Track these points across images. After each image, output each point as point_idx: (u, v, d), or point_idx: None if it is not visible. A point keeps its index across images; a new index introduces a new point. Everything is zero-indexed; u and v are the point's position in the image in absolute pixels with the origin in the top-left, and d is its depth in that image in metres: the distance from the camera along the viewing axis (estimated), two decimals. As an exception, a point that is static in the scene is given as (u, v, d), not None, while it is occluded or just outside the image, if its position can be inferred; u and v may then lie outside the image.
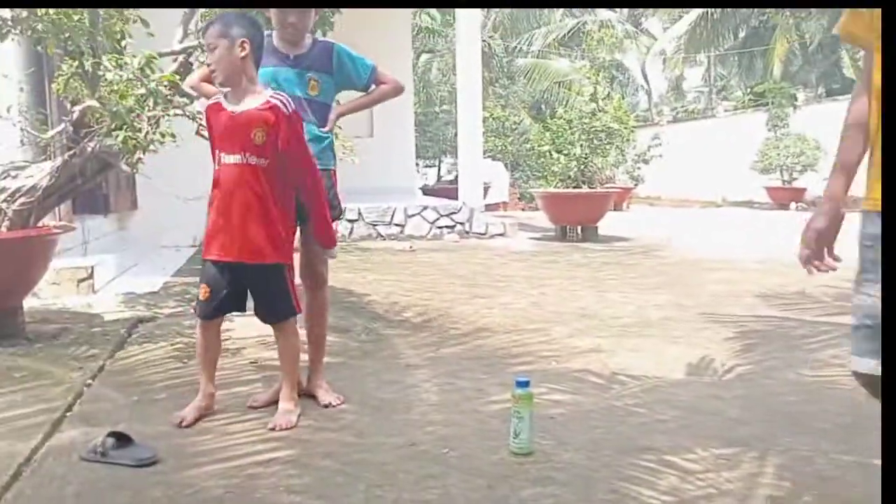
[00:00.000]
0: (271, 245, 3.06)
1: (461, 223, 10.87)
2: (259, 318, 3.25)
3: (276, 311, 3.20)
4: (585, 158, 10.87)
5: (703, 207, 19.09)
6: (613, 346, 4.46)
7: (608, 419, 3.19)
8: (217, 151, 3.12)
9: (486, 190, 14.56)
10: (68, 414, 3.21)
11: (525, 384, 2.83)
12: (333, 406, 3.30)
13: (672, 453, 2.82)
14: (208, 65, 3.09)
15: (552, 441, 2.93)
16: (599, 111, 10.99)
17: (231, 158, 3.03)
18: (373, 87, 3.47)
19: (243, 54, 2.99)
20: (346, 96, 3.61)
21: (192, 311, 3.36)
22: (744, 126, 19.76)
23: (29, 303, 4.93)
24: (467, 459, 2.76)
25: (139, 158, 4.74)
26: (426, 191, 15.69)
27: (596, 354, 4.27)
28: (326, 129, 3.34)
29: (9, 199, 4.50)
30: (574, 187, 10.88)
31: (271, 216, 3.06)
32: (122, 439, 2.75)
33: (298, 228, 3.33)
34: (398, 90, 3.53)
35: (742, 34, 25.77)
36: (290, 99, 3.08)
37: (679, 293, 6.23)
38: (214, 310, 3.16)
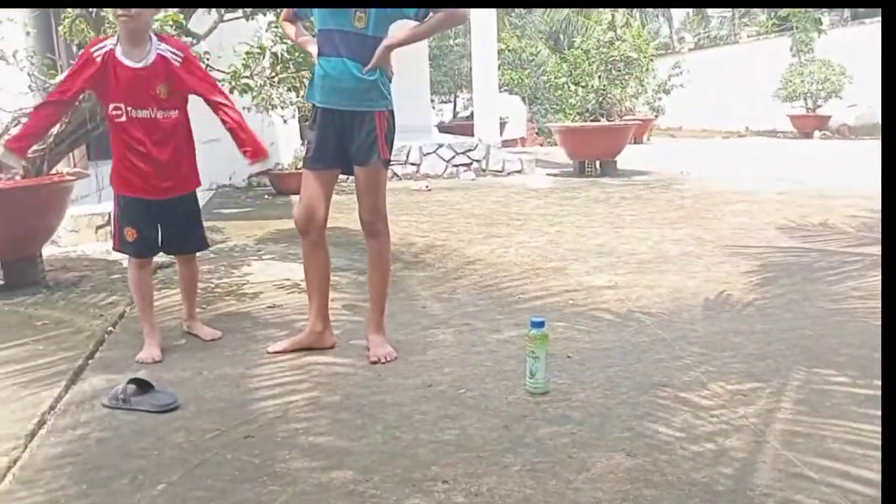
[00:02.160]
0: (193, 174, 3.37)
1: (477, 161, 10.77)
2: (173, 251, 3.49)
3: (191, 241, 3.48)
4: (604, 90, 10.66)
5: (726, 138, 18.75)
6: (630, 282, 4.44)
7: (624, 357, 3.19)
8: (123, 105, 3.16)
9: (502, 125, 14.38)
10: (90, 362, 3.27)
11: (540, 324, 2.82)
12: (382, 363, 3.18)
13: (688, 390, 2.82)
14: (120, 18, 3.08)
15: (568, 380, 2.93)
16: (618, 40, 10.72)
17: (141, 113, 3.17)
18: (430, 15, 3.05)
19: (160, 13, 3.07)
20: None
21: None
22: (768, 52, 19.22)
23: (48, 250, 4.99)
24: (484, 400, 2.77)
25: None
26: (442, 128, 15.53)
27: (613, 292, 4.25)
28: (367, 68, 3.02)
29: (21, 147, 4.49)
30: (592, 120, 10.70)
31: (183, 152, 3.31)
32: (142, 385, 2.79)
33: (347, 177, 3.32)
34: (457, 18, 3.12)
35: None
36: (172, 47, 3.21)
37: (698, 227, 6.16)
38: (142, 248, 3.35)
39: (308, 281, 3.35)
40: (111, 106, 3.17)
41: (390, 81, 3.19)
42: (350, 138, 3.13)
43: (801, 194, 7.83)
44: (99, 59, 3.11)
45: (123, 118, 3.16)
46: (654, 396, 2.76)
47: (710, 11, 31.53)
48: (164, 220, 3.33)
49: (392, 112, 3.21)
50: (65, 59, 5.63)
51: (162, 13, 4.25)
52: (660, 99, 17.62)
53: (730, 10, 28.19)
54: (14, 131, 4.40)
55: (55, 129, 4.45)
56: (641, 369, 3.04)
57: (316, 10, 3.11)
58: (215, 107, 3.29)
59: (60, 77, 4.73)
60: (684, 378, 2.94)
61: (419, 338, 3.52)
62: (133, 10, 3.02)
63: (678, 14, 31.17)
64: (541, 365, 2.79)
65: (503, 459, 2.30)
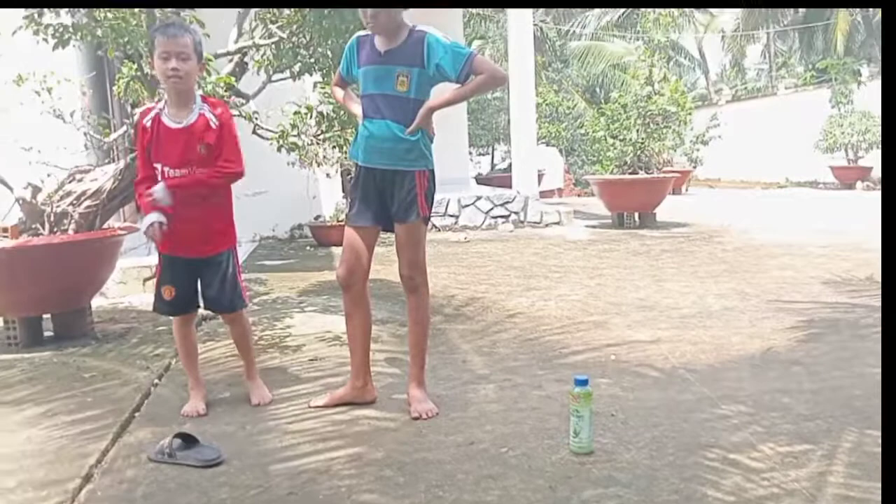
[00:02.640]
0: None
1: (515, 212, 10.82)
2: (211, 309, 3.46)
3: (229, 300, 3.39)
4: (642, 143, 10.68)
5: (765, 189, 18.59)
6: (674, 337, 4.39)
7: (670, 416, 3.13)
8: (160, 165, 3.21)
9: (540, 177, 14.45)
10: (136, 415, 3.31)
11: (584, 382, 2.80)
12: (424, 419, 3.16)
13: (736, 451, 2.76)
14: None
15: (613, 439, 2.89)
16: (656, 94, 10.78)
17: (177, 173, 3.19)
18: (471, 77, 3.10)
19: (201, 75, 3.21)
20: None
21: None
22: (806, 104, 19.14)
23: (97, 302, 5.10)
24: (527, 459, 2.74)
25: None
26: (479, 180, 15.67)
27: (656, 347, 4.20)
28: (409, 130, 3.10)
29: (75, 202, 4.66)
30: (631, 173, 10.71)
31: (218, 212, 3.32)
32: (188, 440, 2.82)
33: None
34: (499, 80, 3.18)
35: (802, 9, 24.91)
36: (213, 111, 3.23)
37: (741, 281, 6.09)
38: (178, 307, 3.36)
39: (350, 335, 3.38)
40: (154, 167, 3.23)
41: (431, 142, 3.27)
42: (391, 196, 3.21)
43: (845, 247, 7.70)
44: (148, 125, 3.23)
45: (160, 178, 3.20)
46: (702, 458, 2.71)
47: (745, 64, 31.60)
48: (201, 278, 3.34)
49: (433, 171, 3.28)
50: (118, 118, 5.85)
51: (214, 75, 4.40)
52: (698, 150, 17.58)
53: (766, 63, 28.22)
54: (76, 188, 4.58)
55: (108, 186, 4.61)
56: (688, 429, 2.98)
57: (360, 76, 3.22)
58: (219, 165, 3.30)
59: (115, 135, 4.91)
60: (732, 438, 2.88)
61: (460, 393, 3.51)
62: (182, 70, 3.13)
63: (714, 67, 31.30)
64: (585, 424, 2.76)
65: (548, 522, 2.27)
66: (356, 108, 3.31)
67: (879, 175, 16.71)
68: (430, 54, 3.08)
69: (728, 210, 12.61)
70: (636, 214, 10.56)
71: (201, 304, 3.38)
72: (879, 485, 2.45)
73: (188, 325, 3.44)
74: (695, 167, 18.23)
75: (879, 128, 16.29)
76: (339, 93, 3.47)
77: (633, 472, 2.61)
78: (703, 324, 4.71)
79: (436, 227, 10.44)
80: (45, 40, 4.53)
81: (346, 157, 5.69)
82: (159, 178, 3.21)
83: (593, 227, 10.75)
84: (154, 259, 6.29)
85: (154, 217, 3.14)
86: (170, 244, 3.28)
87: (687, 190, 17.81)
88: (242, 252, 8.54)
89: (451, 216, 10.63)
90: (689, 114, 11.13)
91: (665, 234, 9.52)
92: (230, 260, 3.36)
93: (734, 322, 4.73)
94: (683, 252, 7.89)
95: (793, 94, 21.52)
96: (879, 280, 5.84)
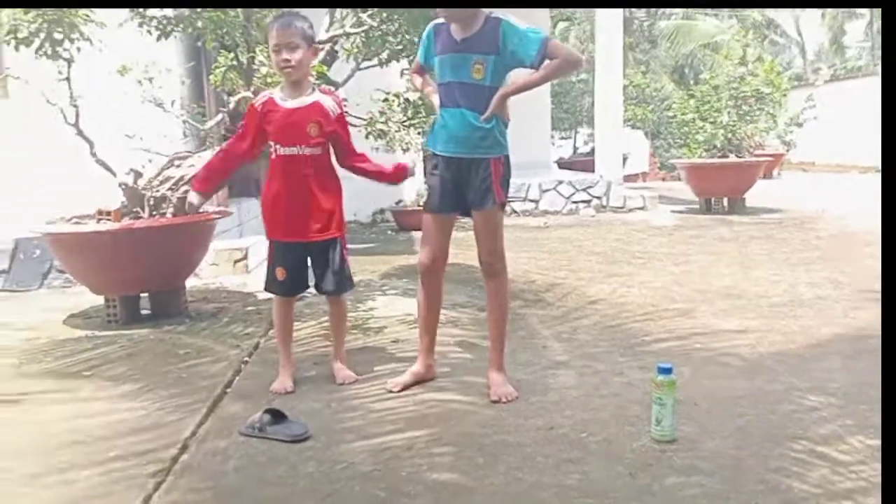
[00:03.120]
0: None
1: (598, 197, 10.69)
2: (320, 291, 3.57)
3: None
4: (733, 126, 10.36)
5: (863, 173, 17.73)
6: (762, 327, 4.27)
7: (756, 406, 3.07)
8: (273, 144, 3.38)
9: (624, 160, 14.20)
10: (228, 390, 3.46)
11: (668, 370, 2.77)
12: (503, 402, 3.19)
13: (825, 444, 2.69)
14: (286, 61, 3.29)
15: (696, 428, 2.85)
16: (749, 74, 10.42)
17: (289, 150, 3.35)
18: (546, 62, 3.09)
19: (314, 60, 3.34)
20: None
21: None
22: (911, 82, 18.09)
23: (190, 282, 5.33)
24: (607, 445, 2.74)
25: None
26: (561, 164, 15.50)
27: (743, 336, 4.10)
28: (484, 117, 3.12)
29: (173, 187, 4.87)
30: (720, 156, 10.40)
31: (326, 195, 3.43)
32: (277, 416, 2.93)
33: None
34: (573, 64, 3.18)
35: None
36: (335, 97, 3.41)
37: (834, 269, 5.86)
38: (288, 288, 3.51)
39: (425, 318, 3.47)
40: (269, 146, 3.42)
41: (506, 127, 3.28)
42: (467, 184, 3.24)
43: (951, 235, 7.29)
44: (259, 107, 3.40)
45: (273, 155, 3.40)
46: (789, 449, 2.64)
47: (847, 41, 30.15)
48: (312, 261, 3.49)
49: (507, 157, 3.30)
50: (213, 107, 6.07)
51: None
52: (791, 132, 16.90)
53: (868, 40, 26.85)
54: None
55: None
56: (775, 420, 2.92)
57: (436, 64, 3.26)
58: (352, 166, 3.55)
59: (211, 123, 5.10)
60: (821, 431, 2.80)
61: (539, 378, 3.52)
62: (293, 60, 3.26)
63: (812, 45, 29.97)
64: (668, 412, 2.74)
65: (628, 508, 2.27)
66: (435, 97, 3.35)
67: None
68: (505, 41, 3.09)
69: (822, 195, 12.12)
70: (725, 200, 10.26)
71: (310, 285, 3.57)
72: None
73: (291, 304, 3.60)
74: (788, 150, 17.54)
75: None
76: (417, 80, 3.53)
77: (716, 461, 2.57)
78: (793, 313, 4.57)
79: (515, 213, 10.42)
80: (150, 32, 4.74)
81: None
82: (273, 154, 3.40)
83: (679, 212, 10.51)
84: (245, 242, 6.54)
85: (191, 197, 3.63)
86: (277, 227, 3.45)
87: (779, 174, 17.18)
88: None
89: (532, 201, 10.59)
90: (784, 95, 10.72)
91: (755, 220, 9.23)
92: (338, 244, 3.48)
93: (826, 312, 4.57)
94: (774, 239, 7.64)
95: None
96: None
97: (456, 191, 3.28)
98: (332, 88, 3.79)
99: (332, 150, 3.48)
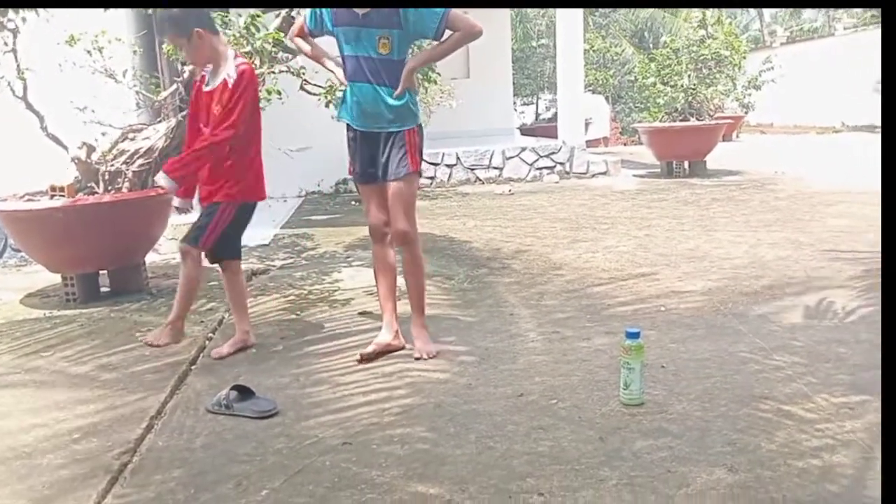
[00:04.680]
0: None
1: (561, 163, 10.69)
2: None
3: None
4: (693, 89, 10.40)
5: (820, 134, 18.03)
6: (725, 289, 4.32)
7: (722, 367, 3.10)
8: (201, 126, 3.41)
9: (586, 125, 14.21)
10: (193, 367, 3.40)
11: (636, 335, 2.78)
12: (424, 359, 3.33)
13: (790, 402, 2.73)
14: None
15: (664, 391, 2.88)
16: (709, 38, 10.44)
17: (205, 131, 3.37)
18: (448, 33, 3.21)
19: (202, 43, 3.27)
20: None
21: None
22: (865, 44, 18.35)
23: (150, 258, 5.21)
24: (577, 411, 2.75)
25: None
26: (524, 130, 15.47)
27: (707, 298, 4.14)
28: (397, 93, 3.20)
29: (128, 160, 4.75)
30: (681, 120, 10.46)
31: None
32: (244, 392, 2.89)
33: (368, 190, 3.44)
34: (473, 34, 3.22)
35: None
36: (235, 71, 3.28)
37: (795, 230, 5.94)
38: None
39: (385, 286, 3.53)
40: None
41: (416, 94, 3.37)
42: (383, 155, 3.31)
43: (906, 193, 7.43)
44: (195, 86, 3.43)
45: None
46: (755, 409, 2.68)
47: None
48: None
49: (420, 126, 3.37)
50: (168, 78, 5.89)
51: (263, 31, 4.40)
52: (749, 95, 17.05)
53: None
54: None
55: (160, 144, 4.67)
56: (740, 381, 2.95)
57: (340, 35, 3.24)
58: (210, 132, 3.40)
59: (165, 94, 4.96)
60: (786, 390, 2.84)
61: (508, 346, 3.52)
62: (187, 58, 3.33)
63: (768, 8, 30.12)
64: (636, 376, 2.75)
65: (599, 473, 2.28)
66: (332, 66, 3.43)
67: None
68: (406, 14, 3.16)
69: (781, 157, 12.28)
70: (686, 163, 10.34)
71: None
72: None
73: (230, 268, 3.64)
74: (747, 113, 17.71)
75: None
76: (305, 46, 3.51)
77: (684, 423, 2.60)
78: (755, 274, 4.62)
79: (480, 180, 10.39)
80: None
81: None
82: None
83: (641, 176, 10.58)
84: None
85: (176, 204, 3.61)
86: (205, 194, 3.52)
87: (738, 136, 17.37)
88: (288, 207, 8.64)
89: (496, 168, 10.55)
90: (744, 57, 10.78)
91: (716, 183, 9.32)
92: (216, 212, 3.46)
93: (788, 272, 4.63)
94: (735, 201, 7.72)
95: (851, 34, 20.65)
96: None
97: (374, 162, 3.33)
98: (248, 60, 3.68)
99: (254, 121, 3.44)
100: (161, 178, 3.38)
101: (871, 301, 3.94)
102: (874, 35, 18.13)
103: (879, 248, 5.12)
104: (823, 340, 3.37)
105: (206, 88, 3.36)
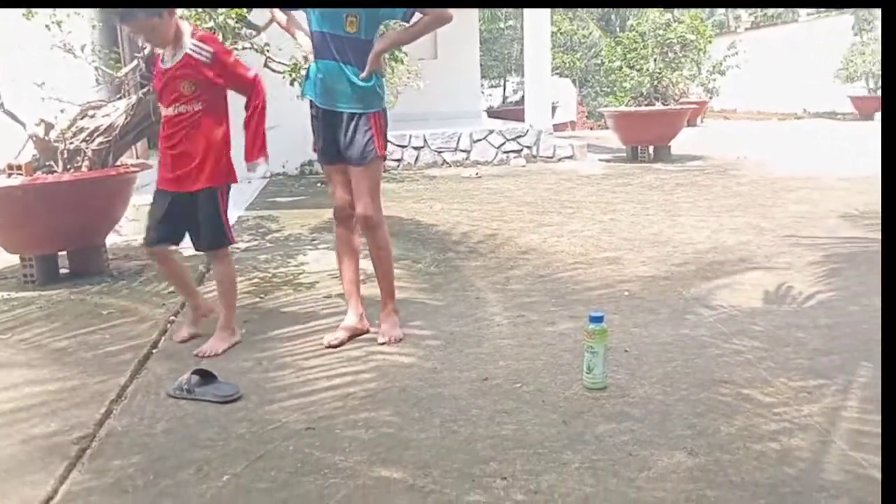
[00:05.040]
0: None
1: (528, 147, 10.70)
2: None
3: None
4: (659, 73, 10.46)
5: (782, 120, 18.28)
6: (688, 273, 4.37)
7: (683, 352, 3.14)
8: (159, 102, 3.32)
9: (553, 109, 14.24)
10: (154, 351, 3.36)
11: (599, 319, 2.80)
12: (390, 343, 3.31)
13: (750, 386, 2.77)
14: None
15: (626, 375, 2.91)
16: (675, 21, 10.50)
17: (167, 111, 3.26)
18: (417, 16, 3.21)
19: (171, 20, 3.16)
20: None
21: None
22: (828, 31, 18.63)
23: (111, 239, 5.11)
24: (540, 394, 2.77)
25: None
26: (491, 113, 15.45)
27: (670, 283, 4.19)
28: (364, 75, 3.15)
29: (87, 138, 4.64)
30: (647, 104, 10.52)
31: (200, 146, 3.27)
32: (206, 376, 2.85)
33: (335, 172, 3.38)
34: (442, 19, 3.21)
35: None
36: (203, 43, 3.18)
37: (757, 215, 6.03)
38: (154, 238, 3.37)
39: (349, 268, 3.50)
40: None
41: (383, 77, 3.34)
42: (347, 137, 3.25)
43: (863, 180, 7.59)
44: (155, 63, 3.32)
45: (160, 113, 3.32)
46: (716, 393, 2.72)
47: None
48: (182, 214, 3.33)
49: (385, 110, 3.34)
50: (128, 53, 5.75)
51: (224, 7, 4.31)
52: (714, 80, 17.19)
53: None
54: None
55: (120, 122, 4.57)
56: (701, 365, 2.99)
57: (309, 11, 3.20)
58: (247, 103, 3.33)
59: (126, 69, 4.85)
60: (746, 374, 2.89)
61: (473, 330, 3.52)
62: (152, 41, 3.21)
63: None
64: (599, 360, 2.77)
65: (562, 456, 2.30)
66: (302, 38, 3.37)
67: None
68: None
69: (744, 142, 12.44)
70: (651, 148, 10.42)
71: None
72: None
73: (164, 256, 3.45)
74: (711, 98, 17.88)
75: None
76: (282, 16, 3.49)
77: (646, 407, 2.63)
78: (717, 259, 4.68)
79: (447, 163, 10.37)
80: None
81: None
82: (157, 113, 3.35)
83: (607, 160, 10.64)
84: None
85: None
86: (158, 176, 3.36)
87: (702, 122, 17.54)
88: (252, 189, 8.54)
89: (463, 151, 10.53)
90: (709, 41, 10.85)
91: (680, 168, 9.41)
92: (212, 198, 3.31)
93: (749, 257, 4.70)
94: (698, 186, 7.81)
95: (814, 20, 20.94)
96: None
97: (336, 143, 3.28)
98: (212, 32, 3.62)
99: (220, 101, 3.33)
100: (253, 167, 3.35)
101: (830, 286, 4.02)
102: (835, 22, 18.42)
103: (838, 235, 5.23)
104: (783, 325, 3.43)
105: (165, 65, 3.23)
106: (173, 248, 3.50)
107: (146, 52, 4.68)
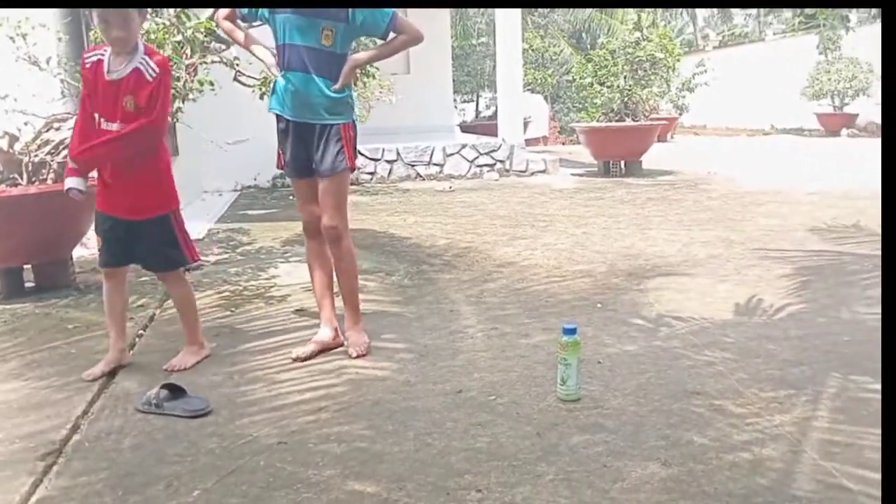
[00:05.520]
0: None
1: (501, 161, 10.74)
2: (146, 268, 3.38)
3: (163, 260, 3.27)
4: (629, 90, 10.58)
5: (751, 136, 18.57)
6: (659, 286, 4.40)
7: (656, 363, 3.15)
8: (98, 115, 3.07)
9: (525, 125, 14.32)
10: (122, 366, 3.28)
11: (572, 331, 2.80)
12: (352, 357, 3.28)
13: (722, 397, 2.79)
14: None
15: (600, 386, 2.91)
16: (644, 40, 10.64)
17: (112, 126, 3.04)
18: (391, 35, 3.23)
19: (138, 24, 3.05)
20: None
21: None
22: (794, 50, 19.00)
23: (77, 252, 5.03)
24: (515, 406, 2.76)
25: (178, 108, 4.73)
26: (464, 128, 15.50)
27: (642, 296, 4.21)
28: (337, 87, 3.15)
29: (53, 151, 4.56)
30: (617, 120, 10.63)
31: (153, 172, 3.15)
32: (175, 391, 2.80)
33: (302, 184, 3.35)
34: (417, 39, 3.24)
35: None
36: (154, 62, 3.03)
37: (727, 229, 6.10)
38: (108, 259, 3.23)
39: (321, 283, 3.49)
40: (93, 115, 3.09)
41: (353, 91, 3.37)
42: (318, 149, 3.23)
43: (830, 195, 7.73)
44: (88, 66, 3.08)
45: (97, 128, 3.08)
46: (688, 404, 2.73)
47: (733, 10, 31.20)
48: (132, 238, 3.19)
49: (355, 122, 3.34)
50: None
51: (194, 20, 4.27)
52: (684, 97, 17.46)
53: (754, 8, 27.88)
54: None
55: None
56: (674, 376, 3.01)
57: (278, 23, 3.16)
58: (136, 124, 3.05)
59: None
60: (718, 386, 2.90)
61: (447, 342, 3.51)
62: (125, 36, 2.98)
63: (702, 12, 30.93)
64: (572, 372, 2.77)
65: (537, 468, 2.29)
66: (262, 53, 3.28)
67: (864, 122, 16.75)
68: (354, 11, 3.14)
69: (713, 157, 12.60)
70: (622, 162, 10.52)
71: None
72: (864, 429, 2.49)
73: (116, 277, 3.27)
74: (681, 114, 18.14)
75: (865, 75, 16.28)
76: (237, 33, 3.36)
77: (619, 418, 2.63)
78: (688, 272, 4.72)
79: (420, 177, 10.37)
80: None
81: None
82: (97, 127, 3.07)
83: (579, 175, 10.71)
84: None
85: (70, 183, 3.13)
86: (103, 202, 3.17)
87: (672, 137, 17.76)
88: (223, 202, 8.47)
89: (436, 165, 10.54)
90: (678, 60, 11.02)
91: (651, 182, 9.50)
92: (165, 223, 3.19)
93: (719, 270, 4.75)
94: (669, 200, 7.89)
95: (780, 39, 21.35)
96: (865, 227, 5.88)
97: (308, 156, 3.26)
98: (161, 51, 3.45)
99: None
100: (70, 181, 3.08)
101: (799, 298, 4.06)
102: (802, 41, 18.78)
103: (807, 248, 5.30)
104: (754, 337, 3.46)
105: (111, 77, 3.02)
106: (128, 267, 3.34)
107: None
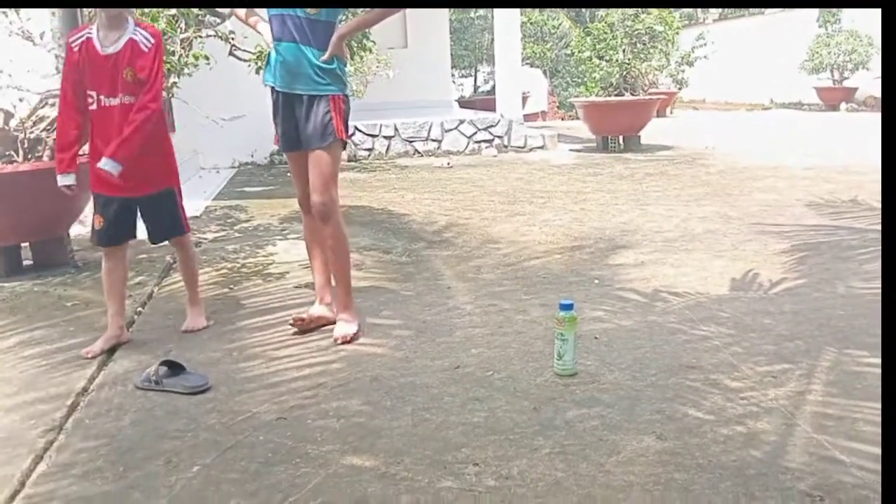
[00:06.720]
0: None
1: (499, 137, 10.70)
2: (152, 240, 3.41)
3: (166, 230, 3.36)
4: (628, 64, 10.52)
5: (750, 110, 18.50)
6: (656, 261, 4.41)
7: (652, 338, 3.17)
8: (95, 93, 3.07)
9: (524, 100, 14.26)
10: (121, 343, 3.30)
11: (569, 307, 2.81)
12: (337, 342, 3.20)
13: (717, 372, 2.81)
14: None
15: (596, 361, 2.93)
16: (643, 12, 10.56)
17: (113, 101, 3.06)
18: None
19: None
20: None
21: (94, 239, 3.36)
22: (794, 23, 18.86)
23: (75, 230, 5.02)
24: (512, 382, 2.78)
25: (174, 82, 4.71)
26: (462, 103, 15.42)
27: (639, 271, 4.22)
28: (324, 58, 3.09)
29: (48, 127, 4.54)
30: (616, 95, 10.58)
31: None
32: (174, 367, 2.82)
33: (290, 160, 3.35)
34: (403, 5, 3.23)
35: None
36: (147, 32, 3.06)
37: (724, 204, 6.10)
38: (111, 238, 3.24)
39: (316, 257, 3.47)
40: (88, 95, 3.08)
41: (345, 65, 3.27)
42: (308, 121, 3.18)
43: (828, 169, 7.72)
44: (76, 49, 3.06)
45: (94, 107, 3.08)
46: (684, 378, 2.75)
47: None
48: (141, 213, 3.27)
49: (347, 96, 3.27)
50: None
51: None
52: (683, 71, 17.36)
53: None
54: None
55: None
56: (669, 351, 3.03)
57: None
58: (137, 105, 3.07)
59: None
60: (713, 360, 2.92)
61: (445, 318, 3.52)
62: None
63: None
64: (569, 347, 2.79)
65: (533, 442, 2.31)
66: (264, 28, 3.29)
67: (864, 96, 16.67)
68: None
69: (712, 132, 12.55)
70: (621, 137, 10.48)
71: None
72: (857, 403, 2.51)
73: (116, 255, 3.29)
74: (680, 89, 18.05)
75: (865, 48, 16.18)
76: (240, 11, 3.44)
77: (615, 392, 2.65)
78: (685, 247, 4.73)
79: (418, 153, 10.34)
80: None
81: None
82: (94, 106, 3.07)
83: (577, 150, 10.68)
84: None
85: (64, 181, 3.14)
86: (103, 183, 3.14)
87: (671, 112, 17.68)
88: (220, 178, 8.45)
89: (434, 140, 10.50)
90: (677, 33, 10.94)
91: (649, 158, 9.48)
92: (170, 198, 3.28)
93: (716, 245, 4.76)
94: (667, 175, 7.87)
95: (781, 12, 21.19)
96: (862, 202, 5.88)
97: (296, 128, 3.22)
98: (154, 24, 3.46)
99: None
100: (108, 165, 3.00)
101: (795, 273, 4.08)
102: (802, 14, 18.64)
103: (804, 223, 5.31)
104: (749, 311, 3.48)
105: (106, 52, 3.02)
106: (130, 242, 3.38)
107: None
